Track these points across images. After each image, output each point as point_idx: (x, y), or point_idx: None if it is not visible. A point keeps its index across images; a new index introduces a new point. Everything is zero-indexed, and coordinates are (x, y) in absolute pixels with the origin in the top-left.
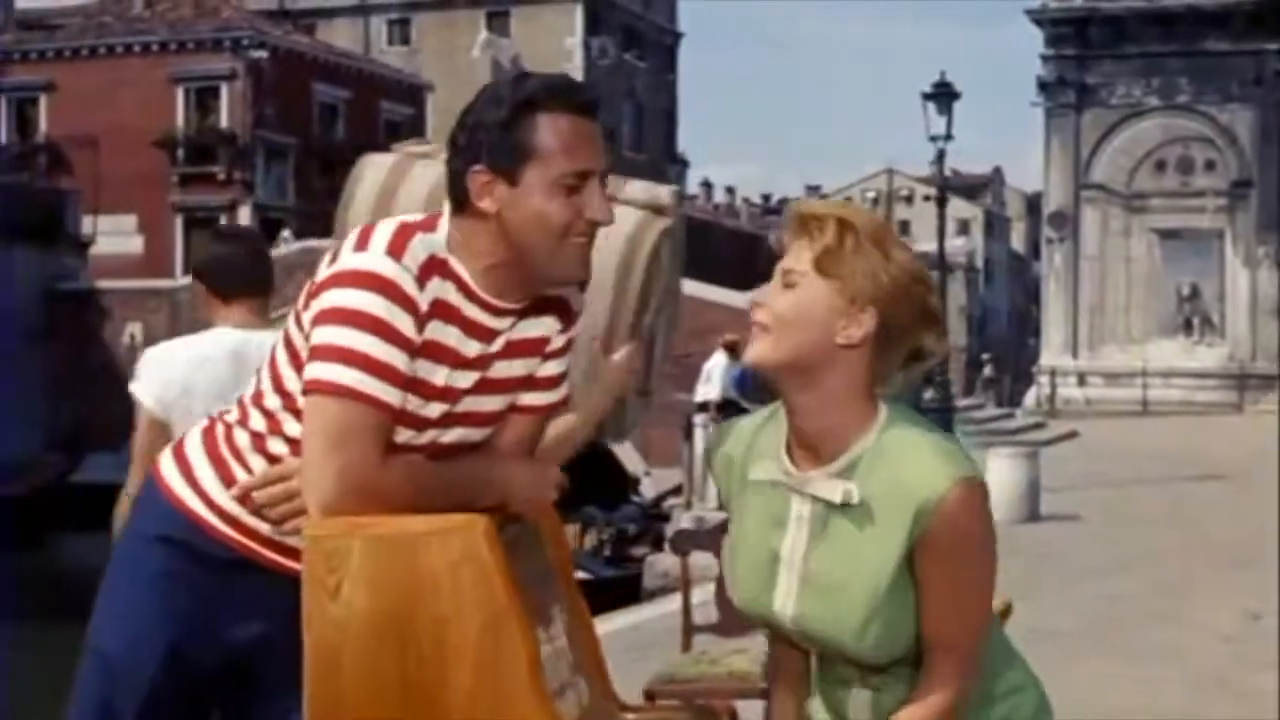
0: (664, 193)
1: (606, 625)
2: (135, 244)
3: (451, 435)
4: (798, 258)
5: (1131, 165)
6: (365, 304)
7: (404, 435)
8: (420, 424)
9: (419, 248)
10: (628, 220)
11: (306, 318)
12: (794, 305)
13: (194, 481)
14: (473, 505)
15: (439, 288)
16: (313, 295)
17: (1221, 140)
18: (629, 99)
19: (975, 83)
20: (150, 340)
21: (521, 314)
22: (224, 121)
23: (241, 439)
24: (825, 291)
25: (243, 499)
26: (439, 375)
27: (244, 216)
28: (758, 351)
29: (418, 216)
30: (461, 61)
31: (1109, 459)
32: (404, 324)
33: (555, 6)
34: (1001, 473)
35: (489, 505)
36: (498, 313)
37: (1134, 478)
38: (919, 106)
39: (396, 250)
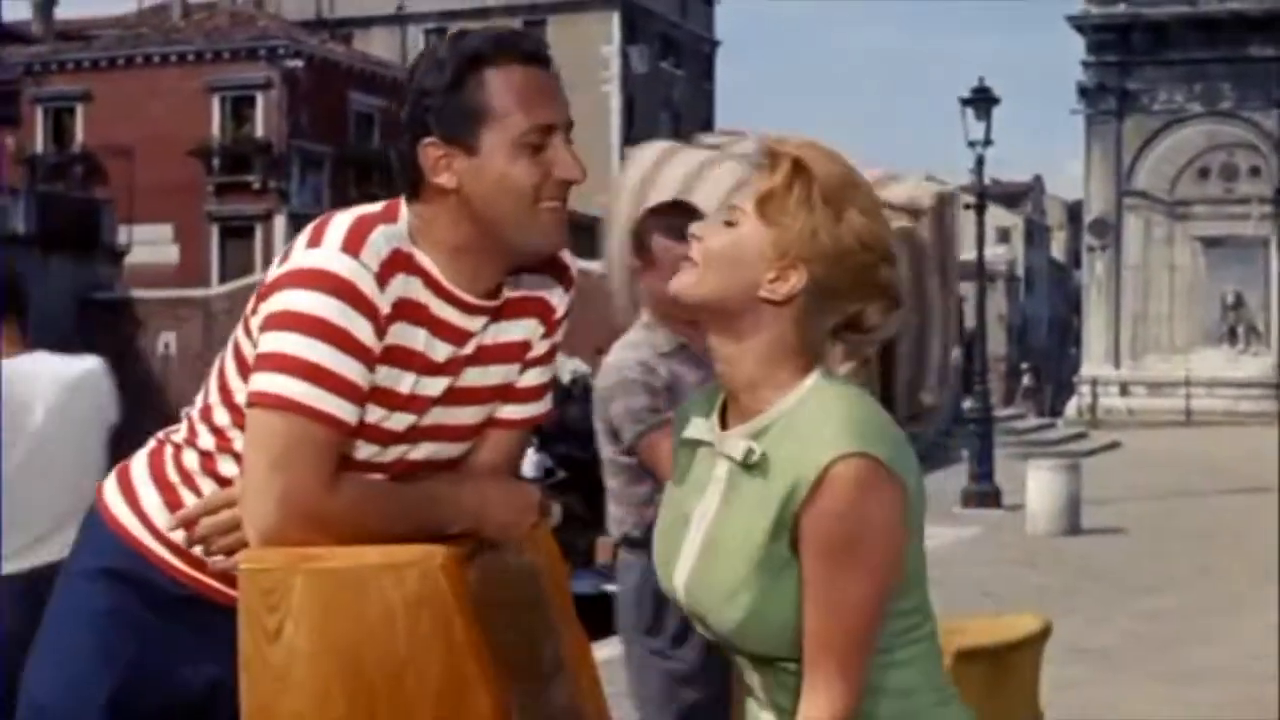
0: (925, 195)
1: None
2: (170, 253)
3: (421, 451)
4: (747, 194)
5: (1174, 172)
6: (317, 307)
7: (366, 451)
8: (385, 438)
9: (380, 241)
10: None
11: (255, 323)
12: (725, 245)
13: (139, 509)
14: (441, 532)
15: (403, 285)
16: (262, 297)
17: (1265, 146)
18: (666, 107)
19: (1015, 90)
20: (184, 349)
21: (496, 314)
22: (259, 131)
23: (190, 460)
24: (759, 238)
25: (185, 528)
26: (405, 382)
27: (279, 225)
28: (679, 286)
29: (376, 207)
30: None
31: (1152, 470)
32: (361, 330)
33: (592, 15)
34: (1042, 485)
35: (460, 531)
36: (469, 310)
37: (1178, 490)
38: (958, 114)
39: (353, 246)
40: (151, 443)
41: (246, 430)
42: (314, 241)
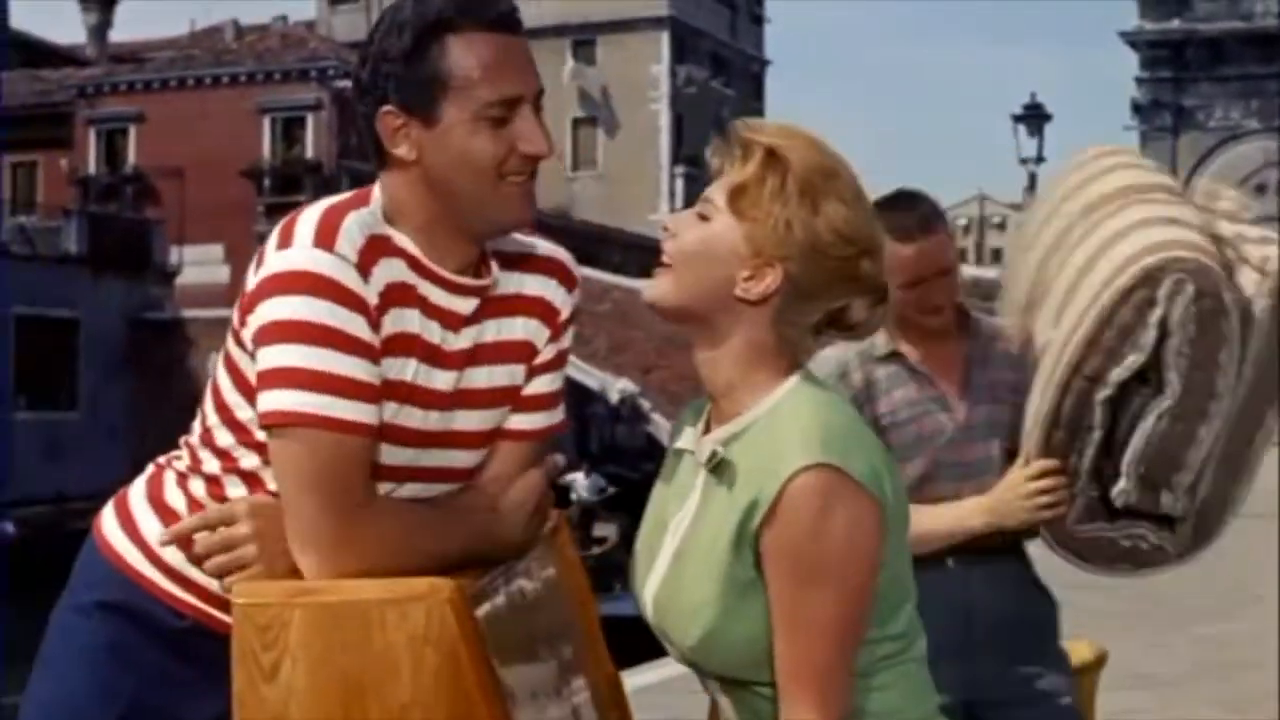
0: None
1: (678, 665)
2: (221, 274)
3: (431, 458)
4: (719, 187)
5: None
6: (304, 311)
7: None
8: (396, 436)
9: (354, 229)
10: (1140, 239)
11: (246, 335)
12: (698, 242)
13: (138, 537)
14: (486, 558)
15: (387, 270)
16: (247, 309)
17: None
18: (716, 127)
19: (1068, 107)
20: None
21: (489, 304)
22: (309, 151)
23: (196, 487)
24: (732, 234)
25: (180, 546)
26: (408, 370)
27: None
28: (654, 291)
29: (344, 196)
30: (548, 90)
31: None
32: (355, 326)
33: (641, 34)
34: None
35: (500, 557)
36: (455, 289)
37: (1238, 511)
38: (1010, 131)
39: (326, 239)
40: (150, 468)
41: (271, 458)
42: (283, 242)
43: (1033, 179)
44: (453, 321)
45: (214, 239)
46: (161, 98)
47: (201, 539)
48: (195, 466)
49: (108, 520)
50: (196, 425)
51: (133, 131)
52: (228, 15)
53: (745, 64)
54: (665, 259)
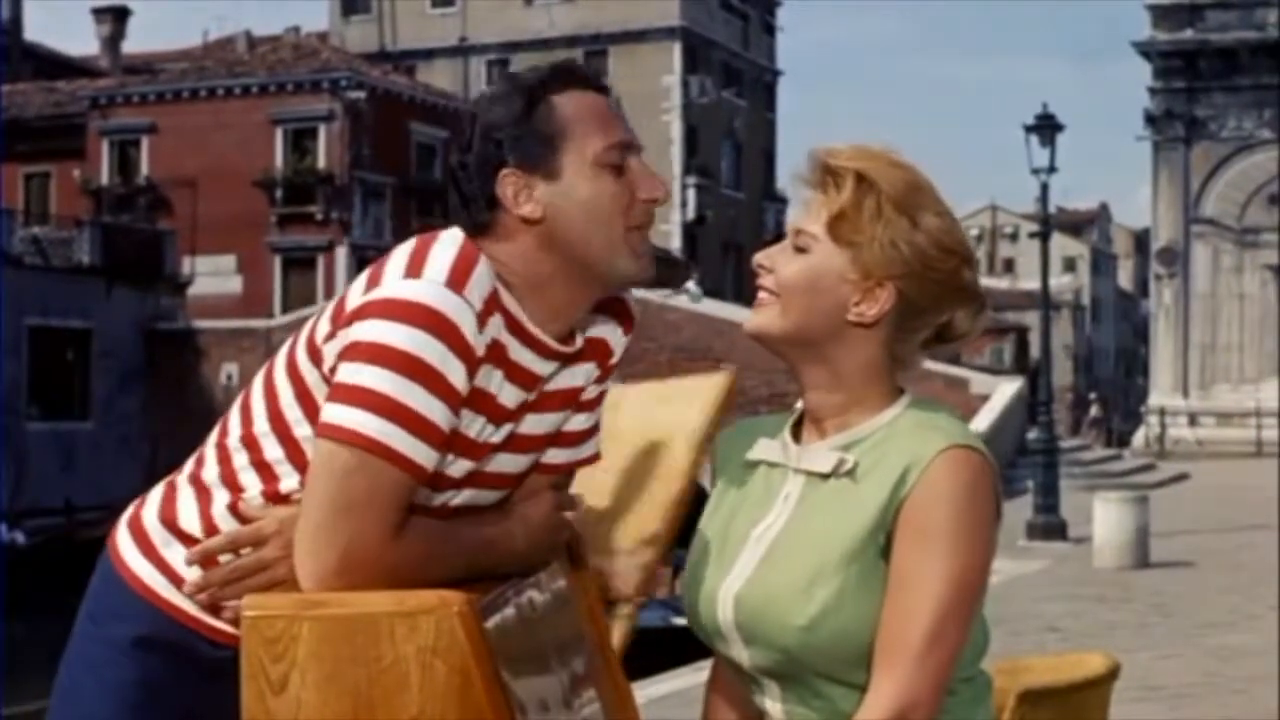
0: None
1: (697, 675)
2: (234, 284)
3: (463, 497)
4: (813, 217)
5: (1243, 199)
6: (415, 345)
7: (418, 495)
8: (442, 483)
9: (484, 278)
10: None
11: (331, 349)
12: (802, 273)
13: (162, 563)
14: (495, 572)
15: (496, 327)
16: (344, 322)
17: None
18: (728, 137)
19: (1081, 118)
20: (247, 380)
21: (571, 360)
22: (322, 162)
23: (218, 505)
24: (838, 261)
25: (204, 565)
26: (475, 427)
27: (341, 256)
28: (760, 322)
29: (458, 237)
30: None
31: (1222, 502)
32: (455, 374)
33: (653, 45)
34: (1109, 517)
35: (513, 570)
36: (546, 354)
37: (1248, 523)
38: (1023, 142)
39: (458, 281)
40: (161, 488)
41: (313, 464)
42: (413, 270)
43: (1045, 189)
44: (531, 382)
45: (226, 250)
46: (174, 109)
47: (231, 563)
48: (229, 477)
49: (125, 545)
50: (234, 429)
51: (145, 142)
52: (240, 26)
53: (757, 74)
54: (767, 293)
